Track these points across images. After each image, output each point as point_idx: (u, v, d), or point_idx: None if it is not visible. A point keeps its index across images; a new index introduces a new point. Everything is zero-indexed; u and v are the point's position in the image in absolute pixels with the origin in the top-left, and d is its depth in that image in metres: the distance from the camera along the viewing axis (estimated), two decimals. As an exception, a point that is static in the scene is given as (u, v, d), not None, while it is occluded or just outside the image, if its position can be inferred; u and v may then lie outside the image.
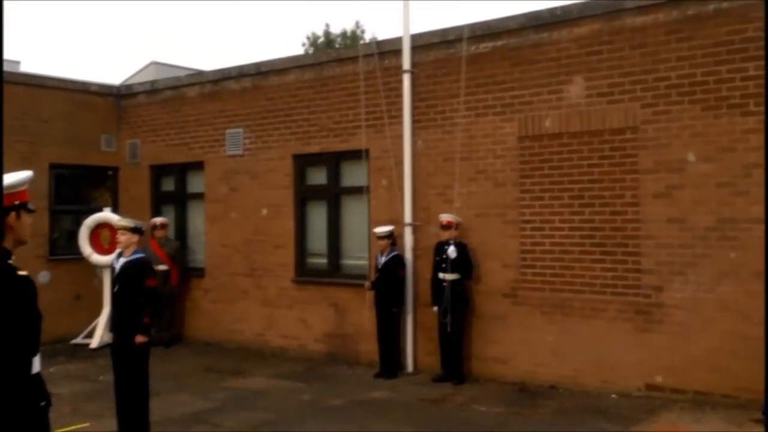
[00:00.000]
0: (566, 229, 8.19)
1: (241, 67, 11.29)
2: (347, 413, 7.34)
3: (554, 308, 8.23)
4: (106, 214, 11.36)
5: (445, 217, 8.66)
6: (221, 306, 11.32)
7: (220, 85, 11.49)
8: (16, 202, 3.06)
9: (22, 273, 2.94)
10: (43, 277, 10.95)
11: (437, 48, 9.19)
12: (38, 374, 3.04)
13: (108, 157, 12.53)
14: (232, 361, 10.03)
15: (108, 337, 11.01)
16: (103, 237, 11.26)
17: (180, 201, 12.13)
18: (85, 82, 12.52)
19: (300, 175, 10.64)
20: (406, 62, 9.28)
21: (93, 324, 11.16)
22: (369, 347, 9.39)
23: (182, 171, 12.06)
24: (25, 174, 3.18)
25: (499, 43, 8.69)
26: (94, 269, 11.43)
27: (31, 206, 3.15)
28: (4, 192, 3.03)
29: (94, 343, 10.84)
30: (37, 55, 49.93)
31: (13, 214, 3.04)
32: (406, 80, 9.29)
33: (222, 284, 11.34)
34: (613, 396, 7.65)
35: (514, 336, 8.47)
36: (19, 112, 11.37)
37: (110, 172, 12.62)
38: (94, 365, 9.27)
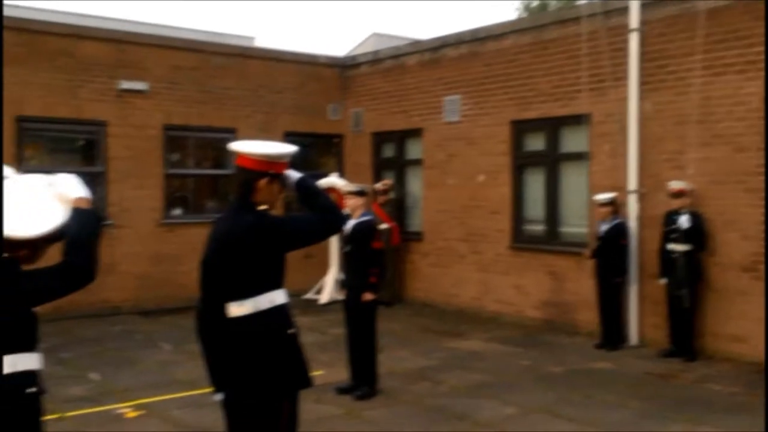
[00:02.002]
0: (820, 198, 7.38)
1: (458, 34, 11.38)
2: (568, 382, 7.27)
3: (802, 285, 7.48)
4: (333, 179, 12.07)
5: (676, 185, 8.17)
6: (439, 269, 11.64)
7: (438, 53, 11.67)
8: (271, 171, 3.38)
9: (264, 208, 3.34)
10: None
11: (669, 4, 8.60)
12: (285, 305, 3.43)
13: (334, 125, 13.28)
14: (449, 323, 10.32)
15: (336, 294, 11.90)
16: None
17: (399, 167, 12.58)
18: (314, 55, 13.32)
19: (517, 142, 10.56)
20: (633, 21, 8.81)
21: (322, 281, 12.01)
22: (589, 317, 9.19)
23: (401, 138, 12.47)
24: (288, 149, 3.49)
25: (744, -6, 7.94)
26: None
27: (284, 182, 3.48)
28: (266, 158, 3.38)
29: (324, 298, 11.69)
30: (269, 30, 53.84)
31: (266, 179, 3.38)
32: (634, 39, 8.82)
33: (439, 248, 11.64)
34: None
35: (754, 313, 7.83)
36: (256, 85, 12.40)
37: (336, 140, 13.39)
38: (324, 319, 9.99)
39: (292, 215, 3.45)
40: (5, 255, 2.72)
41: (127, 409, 6.39)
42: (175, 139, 11.86)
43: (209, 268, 3.41)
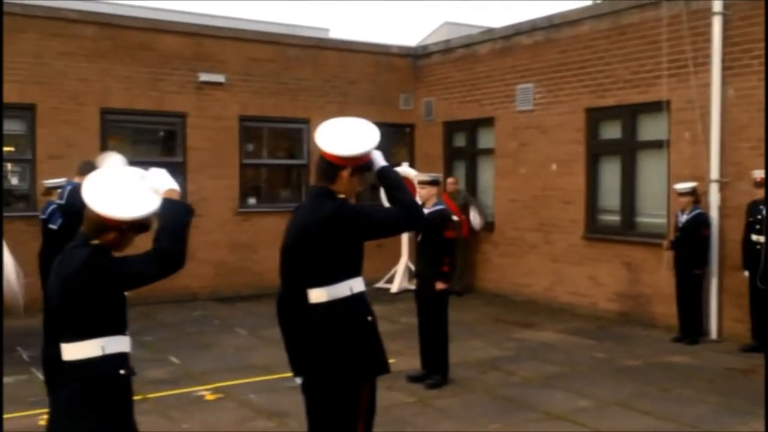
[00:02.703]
0: None
1: (532, 21, 11.21)
2: (644, 375, 7.12)
3: None
4: (404, 169, 12.03)
5: (760, 174, 7.85)
6: (510, 260, 11.55)
7: (511, 41, 11.52)
8: (351, 166, 3.43)
9: (342, 197, 3.39)
10: None
11: (756, -15, 8.25)
12: (362, 293, 3.47)
13: (405, 114, 13.31)
14: (520, 314, 10.24)
15: (406, 283, 11.96)
16: (402, 190, 12.03)
17: (470, 156, 12.52)
18: (386, 45, 13.36)
19: (592, 130, 10.34)
20: (717, 4, 8.50)
21: (393, 270, 12.09)
22: (666, 309, 8.96)
23: (473, 127, 12.39)
24: (372, 142, 3.52)
25: (837, -28, 7.54)
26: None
27: (366, 178, 3.53)
28: (350, 154, 3.43)
29: (394, 288, 11.77)
30: (342, 21, 54.22)
31: (349, 170, 3.43)
32: (717, 23, 8.51)
33: (510, 238, 11.54)
34: None
35: (843, 308, 7.48)
36: (330, 75, 12.54)
37: (407, 129, 13.41)
38: (395, 308, 10.08)
39: (372, 206, 3.46)
40: (95, 241, 2.86)
41: (206, 392, 6.61)
42: (250, 129, 12.13)
43: (289, 255, 3.48)
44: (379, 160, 3.49)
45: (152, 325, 9.09)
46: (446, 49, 12.86)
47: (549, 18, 10.90)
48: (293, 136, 12.72)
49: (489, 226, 11.92)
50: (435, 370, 6.83)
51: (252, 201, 12.21)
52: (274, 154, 12.91)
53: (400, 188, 3.44)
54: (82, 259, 2.82)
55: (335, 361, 3.36)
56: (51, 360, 2.95)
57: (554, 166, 10.78)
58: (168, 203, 2.94)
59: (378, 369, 3.47)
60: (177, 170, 11.46)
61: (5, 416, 5.90)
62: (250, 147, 12.29)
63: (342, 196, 3.44)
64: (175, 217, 2.91)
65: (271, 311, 10.88)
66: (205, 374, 7.17)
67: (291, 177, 13.00)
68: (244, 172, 12.01)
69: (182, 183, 11.33)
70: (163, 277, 2.87)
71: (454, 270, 7.28)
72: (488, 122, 11.98)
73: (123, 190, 2.91)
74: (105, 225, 2.85)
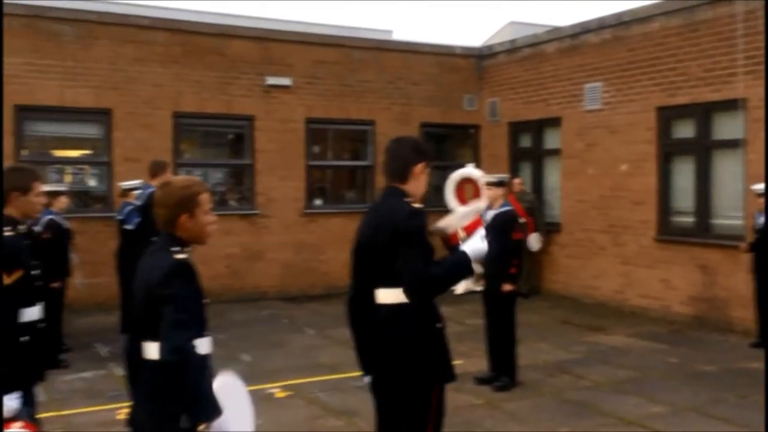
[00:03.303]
0: None
1: (601, 19, 11.01)
2: (721, 381, 6.90)
3: None
4: (469, 170, 11.99)
5: None
6: (577, 261, 11.36)
7: (579, 39, 11.34)
8: (427, 161, 3.50)
9: (417, 206, 3.40)
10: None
11: (840, -24, 7.90)
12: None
13: (470, 115, 13.25)
14: (589, 317, 10.06)
15: (471, 285, 11.87)
16: (468, 191, 11.91)
17: (536, 157, 12.37)
18: (450, 46, 13.33)
19: (664, 129, 10.08)
20: (797, -3, 8.17)
21: (457, 272, 12.04)
22: (744, 313, 8.66)
23: (539, 127, 12.24)
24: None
25: None
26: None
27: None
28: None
29: (459, 289, 11.65)
30: (406, 23, 54.38)
31: (421, 167, 3.46)
32: (797, 17, 8.18)
33: (578, 239, 11.35)
34: None
35: None
36: (393, 77, 12.59)
37: (472, 130, 13.35)
38: (460, 309, 10.02)
39: (428, 244, 3.38)
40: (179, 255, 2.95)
41: (276, 390, 6.73)
42: (316, 131, 12.28)
43: (361, 253, 3.50)
44: (476, 241, 3.40)
45: (224, 324, 9.29)
46: (512, 48, 12.75)
47: (618, 15, 10.68)
48: (358, 137, 12.82)
49: (555, 227, 11.75)
50: (503, 372, 6.78)
51: (318, 202, 12.36)
52: (339, 155, 13.04)
53: (453, 270, 3.35)
54: (168, 264, 2.90)
55: (402, 365, 3.35)
56: (133, 356, 3.05)
57: (624, 167, 10.56)
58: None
59: (443, 377, 3.45)
60: (246, 172, 11.74)
61: (85, 409, 6.15)
62: (316, 149, 12.44)
63: (410, 199, 3.44)
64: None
65: (337, 311, 10.99)
66: (275, 372, 7.29)
67: (356, 178, 13.11)
68: (310, 173, 12.17)
69: (250, 184, 11.58)
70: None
71: (521, 272, 7.20)
72: (555, 122, 11.81)
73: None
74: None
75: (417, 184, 3.48)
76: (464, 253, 3.34)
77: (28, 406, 3.46)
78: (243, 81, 11.47)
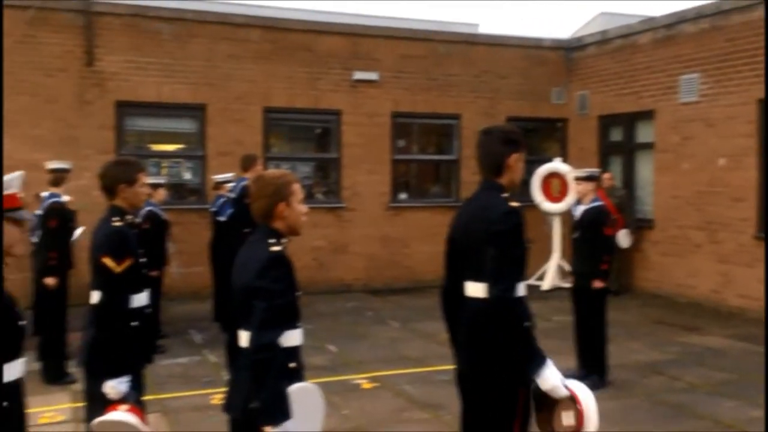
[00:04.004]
0: None
1: (698, 8, 10.59)
2: (827, 387, 6.54)
3: None
4: (556, 165, 11.84)
5: None
6: (671, 259, 10.98)
7: (674, 29, 10.94)
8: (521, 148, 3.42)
9: (513, 205, 3.28)
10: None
11: None
12: (523, 297, 3.30)
13: (557, 109, 13.00)
14: (683, 316, 9.71)
15: (558, 281, 11.70)
16: (554, 186, 11.77)
17: (627, 151, 12.02)
18: (538, 38, 13.11)
19: (766, 122, 9.60)
20: None
21: (543, 268, 11.86)
22: None
23: (631, 120, 11.89)
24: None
25: None
26: (545, 216, 12.05)
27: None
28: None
29: (546, 285, 11.55)
30: (493, 16, 53.87)
31: (516, 157, 3.38)
32: None
33: (672, 236, 10.97)
34: None
35: None
36: (480, 71, 12.49)
37: (559, 124, 13.10)
38: (547, 305, 9.88)
39: (521, 251, 3.28)
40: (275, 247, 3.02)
41: (362, 380, 6.82)
42: (401, 125, 12.33)
43: (453, 246, 3.48)
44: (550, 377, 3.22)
45: (310, 315, 9.45)
46: (603, 40, 12.42)
47: (717, 4, 10.25)
48: (443, 131, 12.80)
49: (648, 224, 11.40)
50: (592, 371, 6.63)
51: (403, 196, 12.42)
52: (424, 149, 13.05)
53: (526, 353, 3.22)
54: (264, 257, 2.98)
55: (488, 363, 3.30)
56: (232, 343, 3.16)
57: (722, 161, 10.13)
58: None
59: (530, 377, 3.37)
60: (332, 166, 11.92)
61: (181, 394, 6.40)
62: (401, 143, 12.49)
63: (507, 195, 3.37)
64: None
65: (422, 305, 11.05)
66: (361, 363, 7.39)
67: (441, 172, 13.09)
68: (395, 167, 12.24)
69: (337, 178, 11.75)
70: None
71: (611, 269, 7.03)
72: (648, 115, 11.44)
73: None
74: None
75: (512, 175, 3.39)
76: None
77: (136, 390, 3.63)
78: (331, 76, 11.63)
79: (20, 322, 2.62)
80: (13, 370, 2.57)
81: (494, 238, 3.19)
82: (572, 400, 3.19)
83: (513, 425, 3.36)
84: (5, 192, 2.65)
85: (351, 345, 8.16)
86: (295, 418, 2.85)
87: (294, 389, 2.92)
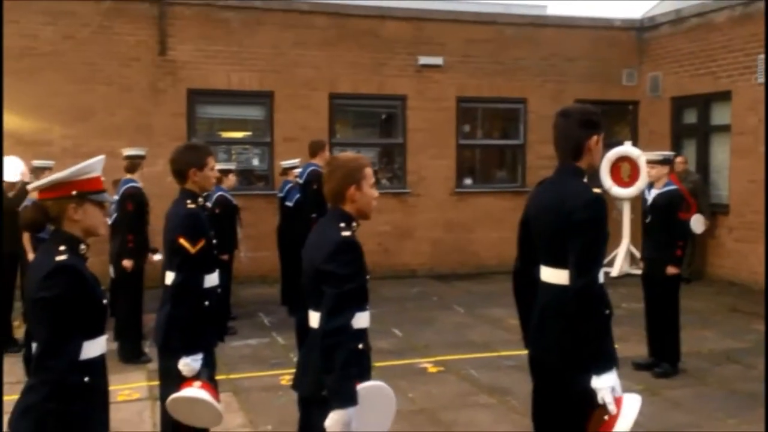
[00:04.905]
0: None
1: (780, -17, 10.11)
2: None
3: None
4: (627, 148, 11.54)
5: None
6: (748, 246, 10.59)
7: (753, 7, 10.49)
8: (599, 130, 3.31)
9: (597, 191, 3.19)
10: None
11: None
12: (602, 285, 3.20)
13: (628, 91, 12.67)
14: (760, 304, 9.31)
15: (627, 267, 11.44)
16: (624, 170, 11.48)
17: (702, 134, 11.63)
18: (609, 19, 12.79)
19: None
20: None
21: (613, 253, 11.62)
22: None
23: (706, 102, 11.49)
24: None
25: None
26: (614, 201, 11.78)
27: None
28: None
29: (615, 271, 11.31)
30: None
31: (595, 139, 3.28)
32: None
33: (749, 222, 10.58)
34: None
35: None
36: (547, 53, 12.26)
37: (630, 106, 12.77)
38: (616, 292, 9.65)
39: (602, 237, 3.20)
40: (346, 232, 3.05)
41: (428, 365, 6.85)
42: (466, 110, 12.24)
43: (529, 228, 3.41)
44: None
45: (376, 299, 9.40)
46: (676, 19, 12.01)
47: (800, -22, 9.77)
48: (508, 116, 12.64)
49: (723, 209, 11.02)
50: (664, 358, 6.50)
51: (468, 181, 12.34)
52: (489, 134, 12.93)
53: (594, 346, 3.11)
54: (334, 241, 3.01)
55: (565, 346, 3.23)
56: (303, 324, 3.21)
57: (803, 144, 9.70)
58: None
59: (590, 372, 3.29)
60: (397, 151, 11.94)
61: (251, 374, 6.56)
62: (467, 128, 12.40)
63: (587, 179, 3.28)
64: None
65: (487, 290, 10.95)
66: (426, 347, 7.42)
67: (506, 157, 12.95)
68: (460, 152, 12.16)
69: (402, 163, 11.76)
70: None
71: (684, 255, 6.83)
72: (724, 96, 11.03)
73: None
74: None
75: (591, 158, 3.29)
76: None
77: (209, 367, 3.74)
78: (396, 61, 11.62)
79: (103, 301, 2.74)
80: (96, 347, 2.69)
81: (580, 226, 3.10)
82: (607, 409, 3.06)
83: (587, 414, 3.28)
84: (89, 175, 2.76)
85: (416, 329, 8.19)
86: (367, 417, 2.87)
87: (368, 387, 2.94)
